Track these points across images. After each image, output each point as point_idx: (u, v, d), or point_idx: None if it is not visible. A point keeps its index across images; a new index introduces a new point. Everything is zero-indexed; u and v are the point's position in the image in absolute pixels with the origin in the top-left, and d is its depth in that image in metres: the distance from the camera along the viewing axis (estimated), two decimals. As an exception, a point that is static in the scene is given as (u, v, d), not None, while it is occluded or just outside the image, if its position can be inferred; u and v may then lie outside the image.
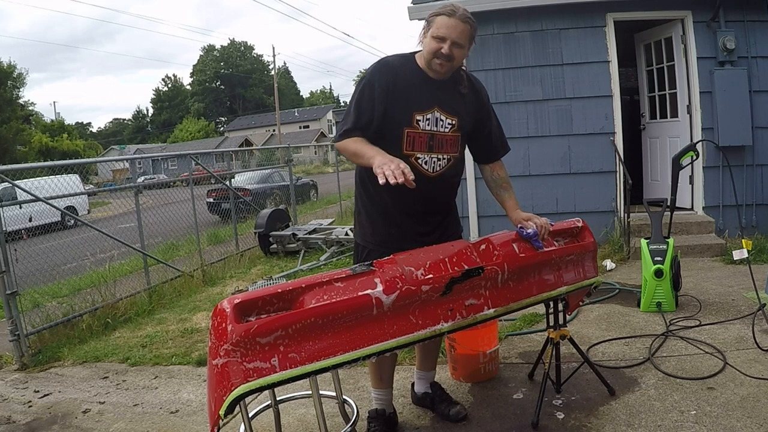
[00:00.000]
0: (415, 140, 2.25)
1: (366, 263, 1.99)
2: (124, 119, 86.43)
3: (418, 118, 2.24)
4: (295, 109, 66.55)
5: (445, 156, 2.32)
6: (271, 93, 58.28)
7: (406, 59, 2.31)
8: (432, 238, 2.31)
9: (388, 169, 1.91)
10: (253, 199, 10.18)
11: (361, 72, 56.29)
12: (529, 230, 2.30)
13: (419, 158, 2.26)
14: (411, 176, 1.91)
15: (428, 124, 2.26)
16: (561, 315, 2.67)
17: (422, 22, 2.29)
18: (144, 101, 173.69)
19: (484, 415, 2.69)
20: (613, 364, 3.11)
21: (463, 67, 2.39)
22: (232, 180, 8.82)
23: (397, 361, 3.38)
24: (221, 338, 1.64)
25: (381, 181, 1.91)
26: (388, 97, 2.21)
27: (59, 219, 8.30)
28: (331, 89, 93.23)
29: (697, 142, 4.63)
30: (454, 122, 2.31)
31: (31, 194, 4.94)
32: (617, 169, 5.93)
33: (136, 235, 5.97)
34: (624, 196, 5.57)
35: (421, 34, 2.27)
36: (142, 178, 14.18)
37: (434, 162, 2.29)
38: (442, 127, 2.29)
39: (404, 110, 2.23)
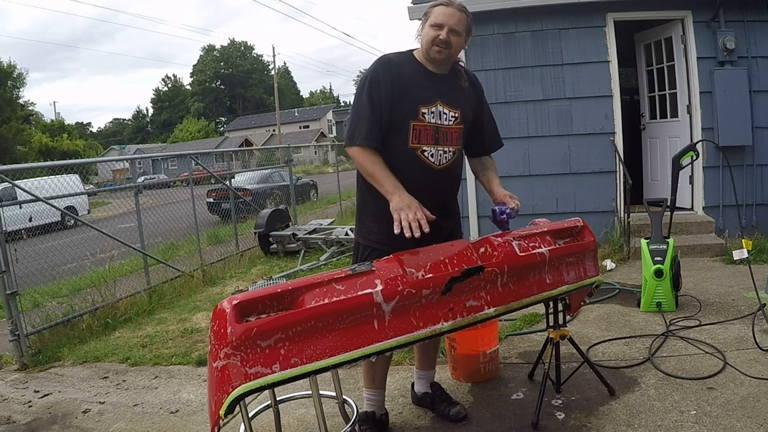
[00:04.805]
0: (421, 133, 2.28)
1: (366, 263, 1.99)
2: (124, 119, 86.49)
3: (424, 111, 2.27)
4: (295, 109, 66.51)
5: (450, 149, 2.35)
6: (271, 93, 58.26)
7: (405, 56, 2.37)
8: (437, 239, 2.26)
9: (406, 219, 2.03)
10: (253, 199, 10.19)
11: (361, 72, 56.27)
12: (506, 209, 2.34)
13: (425, 151, 2.29)
14: (426, 228, 2.03)
15: (433, 117, 2.29)
16: (561, 315, 2.67)
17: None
18: (144, 101, 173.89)
19: (484, 415, 2.69)
20: (613, 364, 3.11)
21: (461, 63, 2.45)
22: (232, 180, 8.82)
23: (397, 361, 3.39)
24: (221, 340, 1.64)
25: (396, 231, 2.04)
26: (393, 91, 2.25)
27: (59, 219, 8.30)
28: (331, 89, 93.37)
29: (697, 142, 4.63)
30: (456, 115, 2.35)
31: (31, 194, 4.95)
32: (617, 169, 5.93)
33: (136, 235, 5.98)
34: (624, 196, 5.57)
35: (419, 29, 2.35)
36: (142, 178, 14.18)
37: (440, 155, 2.32)
38: (445, 120, 2.32)
39: (410, 103, 2.26)
